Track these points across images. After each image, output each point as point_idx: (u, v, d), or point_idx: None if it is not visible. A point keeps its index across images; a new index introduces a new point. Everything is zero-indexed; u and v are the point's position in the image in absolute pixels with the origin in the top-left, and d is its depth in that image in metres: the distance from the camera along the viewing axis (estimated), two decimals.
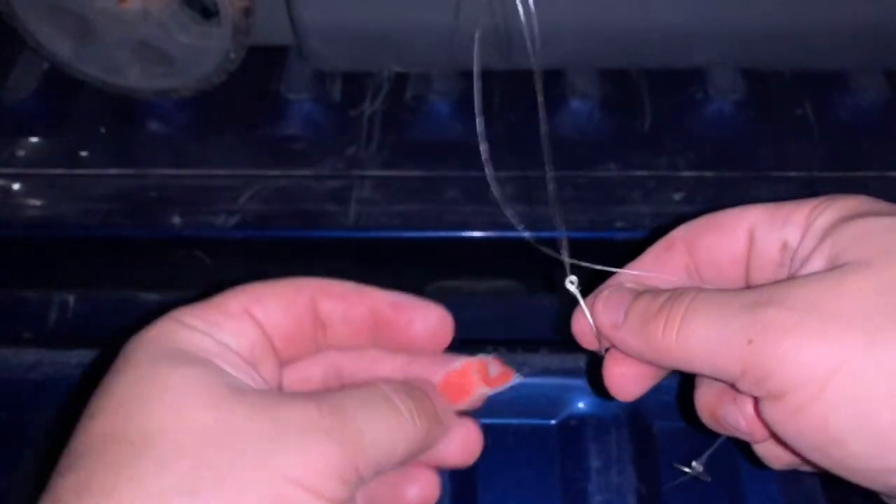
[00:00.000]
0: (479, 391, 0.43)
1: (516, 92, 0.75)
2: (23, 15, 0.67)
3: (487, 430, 0.54)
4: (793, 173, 0.68)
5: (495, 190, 0.46)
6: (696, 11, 0.68)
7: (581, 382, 0.57)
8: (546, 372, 0.57)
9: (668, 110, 0.73)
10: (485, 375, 0.43)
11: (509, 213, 0.47)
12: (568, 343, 0.52)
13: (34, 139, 0.71)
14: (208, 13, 0.69)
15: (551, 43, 0.69)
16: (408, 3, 0.68)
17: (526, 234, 0.53)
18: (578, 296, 0.43)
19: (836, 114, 0.73)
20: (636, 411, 0.56)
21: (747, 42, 0.71)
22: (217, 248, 0.67)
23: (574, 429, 0.56)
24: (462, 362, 0.43)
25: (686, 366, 0.38)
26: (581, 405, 0.56)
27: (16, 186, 0.68)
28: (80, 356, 0.58)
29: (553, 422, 0.56)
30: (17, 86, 0.75)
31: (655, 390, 0.55)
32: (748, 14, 0.69)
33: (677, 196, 0.67)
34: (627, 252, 0.65)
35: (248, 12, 0.66)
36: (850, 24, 0.69)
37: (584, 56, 0.73)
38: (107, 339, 0.60)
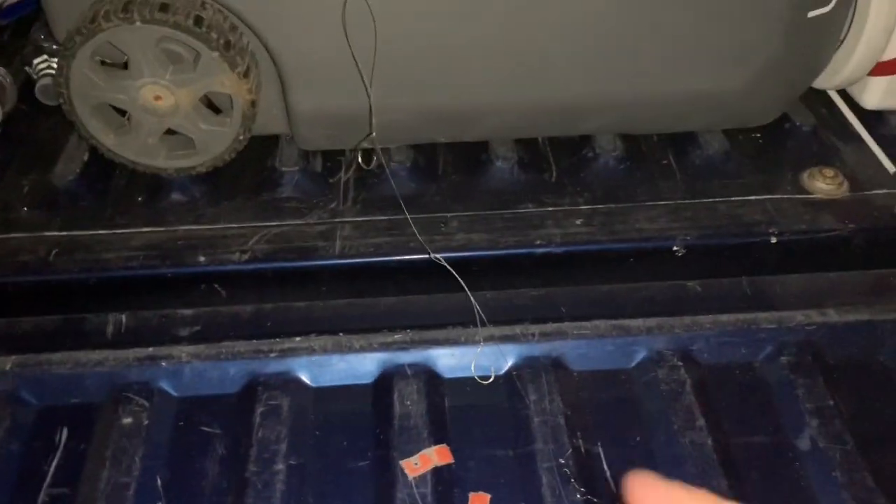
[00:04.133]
0: None
1: (457, 159, 1.00)
2: (79, 110, 0.89)
3: (450, 384, 0.74)
4: (662, 203, 0.93)
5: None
6: (583, 95, 0.94)
7: (516, 346, 0.77)
8: (491, 339, 0.77)
9: (567, 165, 0.98)
10: None
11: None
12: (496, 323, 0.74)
13: (81, 209, 0.91)
14: (223, 107, 0.92)
15: (478, 121, 0.94)
16: (373, 96, 0.91)
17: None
18: (445, 263, 0.65)
19: (691, 161, 0.99)
20: (559, 361, 0.77)
21: (622, 115, 0.97)
22: (232, 280, 0.86)
23: (516, 377, 0.76)
24: None
25: None
26: (512, 360, 0.76)
27: (69, 245, 0.87)
28: (136, 353, 0.76)
29: (500, 373, 0.76)
30: (65, 169, 0.95)
31: (574, 346, 0.76)
32: (621, 96, 0.94)
33: (578, 222, 0.90)
34: (545, 262, 0.88)
35: (254, 103, 0.89)
36: (695, 99, 0.95)
37: (503, 130, 0.98)
38: (153, 340, 0.78)
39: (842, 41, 0.95)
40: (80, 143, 0.98)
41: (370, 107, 0.77)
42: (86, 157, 0.97)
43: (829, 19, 0.88)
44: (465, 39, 0.87)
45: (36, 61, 1.02)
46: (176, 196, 0.94)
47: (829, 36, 0.91)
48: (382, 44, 0.85)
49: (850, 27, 0.94)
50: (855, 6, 0.92)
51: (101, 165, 0.95)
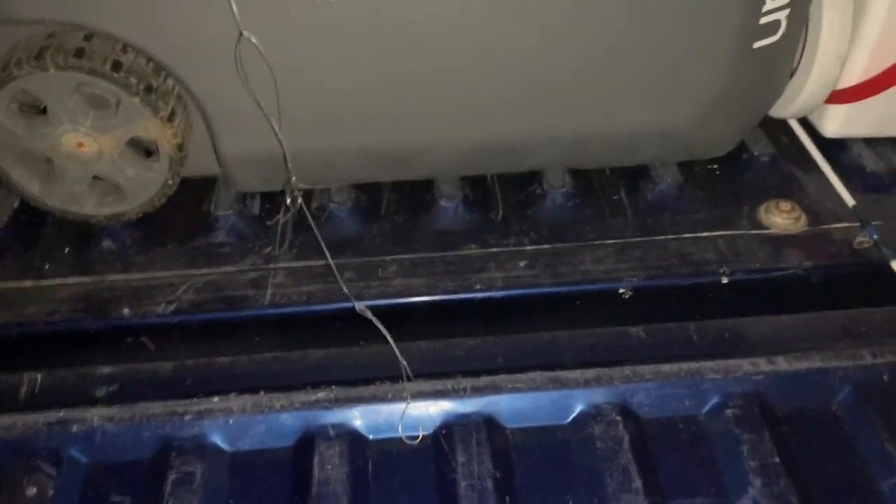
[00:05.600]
0: None
1: (400, 198, 0.96)
2: (1, 160, 0.86)
3: (374, 445, 0.71)
4: (610, 241, 0.89)
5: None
6: (526, 132, 0.90)
7: (446, 402, 0.73)
8: (420, 395, 0.73)
9: (515, 203, 0.94)
10: None
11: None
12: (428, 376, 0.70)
13: (8, 261, 0.88)
14: (149, 151, 0.88)
15: (417, 160, 0.91)
16: (303, 135, 0.88)
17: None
18: (371, 316, 0.61)
19: (643, 196, 0.95)
20: (491, 418, 0.73)
21: (567, 151, 0.93)
22: (159, 332, 0.83)
23: (444, 436, 0.72)
24: None
25: None
26: (442, 418, 0.72)
27: None
28: (46, 417, 0.73)
29: (428, 432, 0.72)
30: None
31: (508, 401, 0.72)
32: (565, 131, 0.91)
33: (522, 264, 0.86)
34: (485, 308, 0.84)
35: (181, 147, 0.85)
36: (641, 133, 0.91)
37: (444, 168, 0.94)
38: (67, 401, 0.75)
39: (794, 70, 0.91)
40: (9, 192, 0.94)
41: (283, 151, 0.73)
42: (16, 205, 0.95)
43: (777, 49, 0.84)
44: (398, 79, 0.83)
45: None
46: (106, 244, 0.91)
47: (778, 66, 0.87)
48: (309, 88, 0.82)
49: (802, 56, 0.90)
50: (806, 35, 0.89)
51: (32, 214, 0.92)
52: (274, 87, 0.71)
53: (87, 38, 0.80)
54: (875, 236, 0.86)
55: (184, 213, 0.94)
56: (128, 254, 0.90)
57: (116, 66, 0.80)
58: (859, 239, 0.87)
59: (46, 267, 0.88)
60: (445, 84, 0.84)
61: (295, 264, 0.88)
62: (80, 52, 0.79)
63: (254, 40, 0.64)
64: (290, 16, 0.77)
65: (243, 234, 0.92)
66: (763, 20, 0.80)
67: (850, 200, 0.91)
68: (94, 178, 0.88)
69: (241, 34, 0.64)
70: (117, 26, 0.79)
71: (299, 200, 0.74)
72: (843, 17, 0.85)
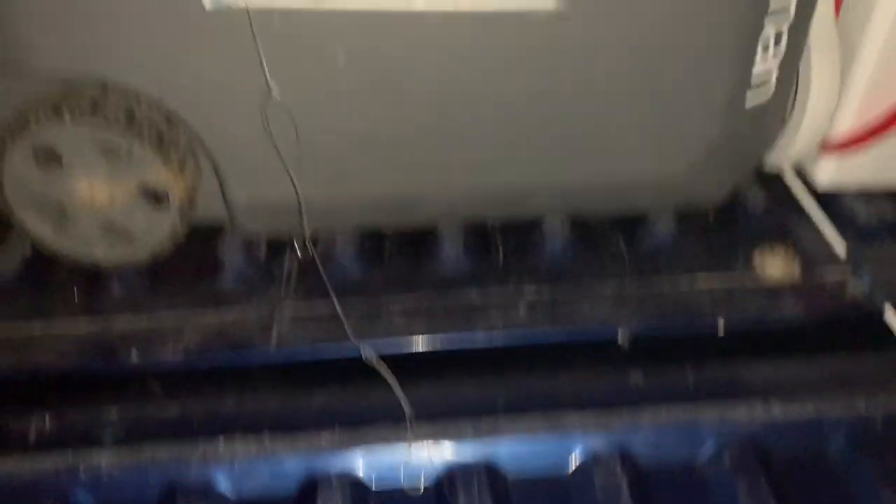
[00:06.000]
0: None
1: (403, 244, 0.98)
2: (15, 206, 0.88)
3: (376, 497, 0.72)
4: (608, 288, 0.91)
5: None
6: (529, 178, 0.93)
7: (449, 447, 0.74)
8: (423, 438, 0.75)
9: (515, 249, 0.96)
10: None
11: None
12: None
13: (19, 304, 0.90)
14: (160, 199, 0.91)
15: (419, 206, 0.93)
16: (311, 183, 0.90)
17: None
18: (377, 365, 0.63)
19: (641, 244, 0.97)
20: (492, 465, 0.74)
21: (566, 199, 0.95)
22: (166, 375, 0.84)
23: (447, 486, 0.73)
24: None
25: None
26: (445, 466, 0.73)
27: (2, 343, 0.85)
28: (54, 461, 0.74)
29: (430, 477, 0.73)
30: (6, 261, 0.94)
31: (509, 449, 0.74)
32: (568, 178, 0.93)
33: (521, 311, 0.88)
34: (485, 354, 0.86)
35: (191, 196, 0.88)
36: (638, 183, 0.94)
37: (446, 214, 0.97)
38: (77, 445, 0.76)
39: (786, 120, 0.94)
40: (21, 237, 0.97)
41: (298, 201, 0.76)
42: (27, 251, 0.97)
43: (768, 104, 0.87)
44: (404, 130, 0.86)
45: None
46: (115, 288, 0.93)
47: (769, 120, 0.90)
48: (317, 137, 0.85)
49: (793, 107, 0.93)
50: (797, 88, 0.92)
51: (43, 259, 0.94)
52: (290, 141, 0.73)
53: (103, 89, 0.83)
54: (867, 284, 0.88)
55: (192, 257, 0.96)
56: (136, 298, 0.92)
57: (130, 117, 0.82)
58: (852, 287, 0.89)
59: (56, 311, 0.90)
60: (449, 134, 0.87)
61: (300, 309, 0.89)
62: (95, 104, 0.82)
63: (283, 102, 0.67)
64: (303, 74, 0.80)
65: (250, 278, 0.94)
66: (754, 77, 0.83)
67: (842, 249, 0.93)
68: (107, 223, 0.90)
69: (270, 96, 0.67)
70: (132, 79, 0.82)
71: (310, 246, 0.76)
72: (831, 72, 0.88)
